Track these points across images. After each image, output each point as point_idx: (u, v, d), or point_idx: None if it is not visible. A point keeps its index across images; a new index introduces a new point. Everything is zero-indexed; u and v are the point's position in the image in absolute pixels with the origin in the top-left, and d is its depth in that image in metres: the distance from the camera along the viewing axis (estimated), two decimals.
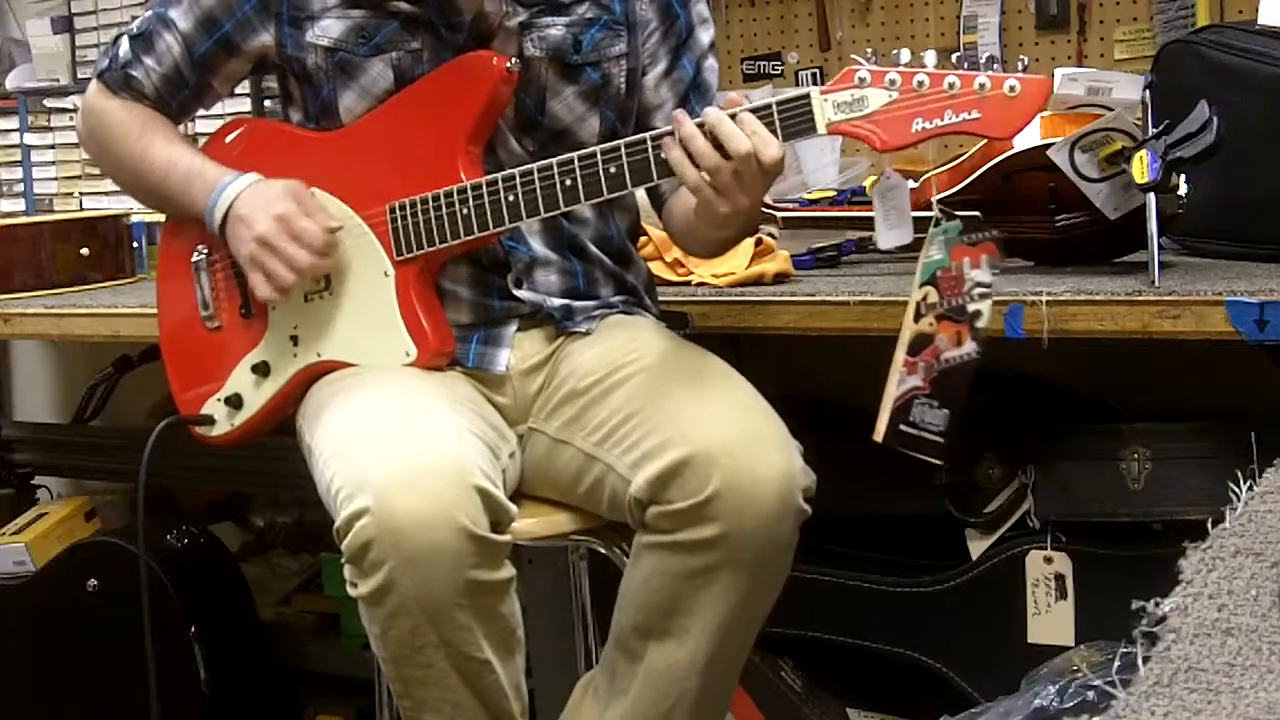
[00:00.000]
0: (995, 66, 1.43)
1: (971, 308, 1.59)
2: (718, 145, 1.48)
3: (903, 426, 1.55)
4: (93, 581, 2.47)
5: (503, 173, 1.63)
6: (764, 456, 1.54)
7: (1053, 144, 1.85)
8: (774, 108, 1.49)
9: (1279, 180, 1.87)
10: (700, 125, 1.49)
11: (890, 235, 1.80)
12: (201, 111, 2.00)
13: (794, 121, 1.49)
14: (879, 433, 1.55)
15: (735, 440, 1.54)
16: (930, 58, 1.44)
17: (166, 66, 1.81)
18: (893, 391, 1.54)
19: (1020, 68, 1.44)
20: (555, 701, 1.85)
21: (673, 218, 1.80)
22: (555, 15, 1.73)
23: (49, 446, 2.96)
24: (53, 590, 2.53)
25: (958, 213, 1.95)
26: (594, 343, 1.74)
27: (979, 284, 1.60)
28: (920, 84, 1.44)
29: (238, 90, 2.13)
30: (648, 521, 1.57)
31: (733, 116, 1.48)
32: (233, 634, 2.56)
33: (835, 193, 2.42)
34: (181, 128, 1.90)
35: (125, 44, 1.83)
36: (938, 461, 1.56)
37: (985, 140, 1.98)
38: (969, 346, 1.58)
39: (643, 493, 1.55)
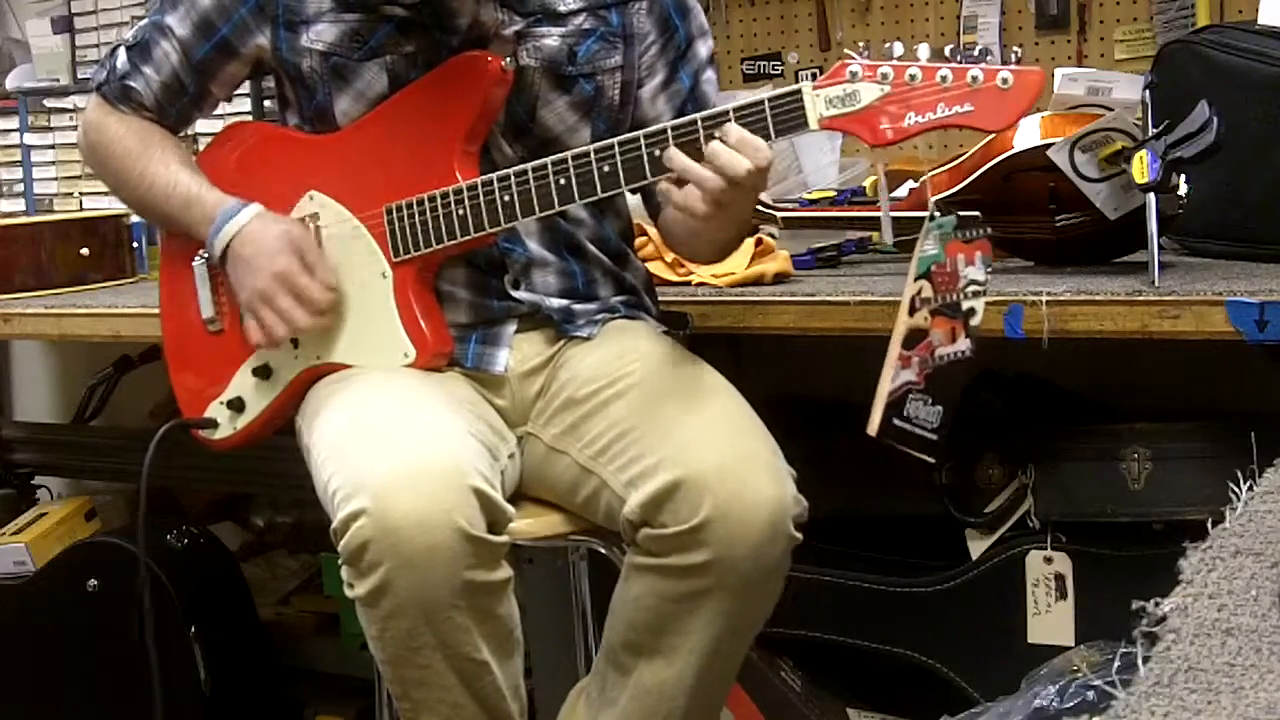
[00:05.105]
0: (988, 59, 1.42)
1: (966, 305, 1.58)
2: (716, 171, 1.47)
3: (896, 421, 1.54)
4: (93, 581, 2.47)
5: (498, 173, 1.63)
6: (756, 483, 1.53)
7: (1053, 144, 1.85)
8: (766, 104, 1.49)
9: (1279, 180, 1.87)
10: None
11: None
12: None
13: (786, 117, 1.48)
14: (872, 426, 1.54)
15: (728, 465, 1.53)
16: (923, 51, 1.43)
17: (165, 74, 1.81)
18: (886, 385, 1.53)
19: (1014, 60, 1.42)
20: (555, 702, 1.84)
21: (672, 225, 1.78)
22: (551, 25, 1.72)
23: (49, 446, 2.96)
24: (53, 590, 2.53)
25: (959, 213, 1.95)
26: (594, 349, 1.74)
27: (973, 281, 1.59)
28: (913, 78, 1.43)
29: (238, 90, 2.12)
30: (639, 542, 1.56)
31: (712, 134, 1.47)
32: (233, 634, 2.56)
33: (835, 193, 2.42)
34: (181, 135, 1.89)
35: (122, 55, 1.83)
36: (929, 459, 1.56)
37: (985, 139, 1.98)
38: (963, 344, 1.57)
39: (635, 515, 1.55)
